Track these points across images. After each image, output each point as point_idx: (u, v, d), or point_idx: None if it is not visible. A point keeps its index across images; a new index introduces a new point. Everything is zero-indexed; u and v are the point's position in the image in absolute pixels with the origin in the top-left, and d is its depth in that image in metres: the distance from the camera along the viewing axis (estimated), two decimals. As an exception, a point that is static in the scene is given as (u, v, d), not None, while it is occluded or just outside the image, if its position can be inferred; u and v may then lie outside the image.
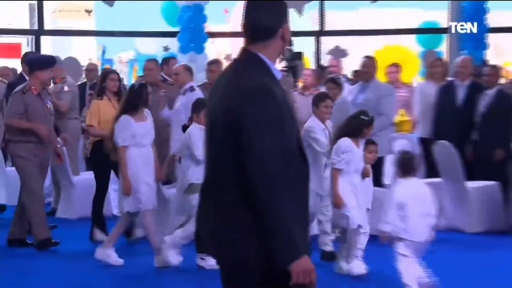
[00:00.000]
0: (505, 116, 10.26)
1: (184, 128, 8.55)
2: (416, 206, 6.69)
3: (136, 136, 8.22)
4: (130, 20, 18.89)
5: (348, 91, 10.59)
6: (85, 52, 11.70)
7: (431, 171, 10.48)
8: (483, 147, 10.22)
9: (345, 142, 7.45)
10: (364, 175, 7.89)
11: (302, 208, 3.71)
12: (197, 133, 7.94)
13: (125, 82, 15.18)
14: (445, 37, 18.23)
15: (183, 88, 9.73)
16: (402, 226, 6.70)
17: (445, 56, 17.40)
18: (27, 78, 9.82)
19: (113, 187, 11.30)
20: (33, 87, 9.13)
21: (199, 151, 7.84)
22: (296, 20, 18.25)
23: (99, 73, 12.08)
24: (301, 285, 3.53)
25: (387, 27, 17.85)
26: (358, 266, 7.68)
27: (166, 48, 17.40)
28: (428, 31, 19.17)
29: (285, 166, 3.57)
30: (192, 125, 8.14)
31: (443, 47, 18.30)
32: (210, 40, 16.86)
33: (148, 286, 7.82)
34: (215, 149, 3.76)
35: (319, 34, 18.19)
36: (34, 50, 16.25)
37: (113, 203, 11.12)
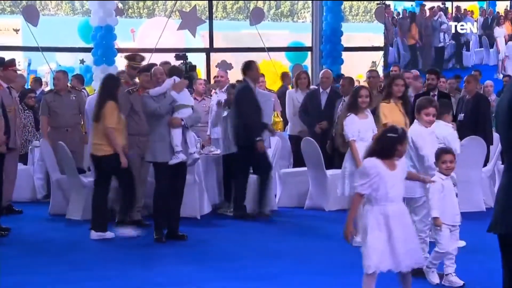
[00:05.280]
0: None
1: None
2: None
3: (360, 131, 7.65)
4: (51, 37, 18.43)
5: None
6: (14, 64, 11.43)
7: (299, 162, 10.54)
8: (340, 142, 10.32)
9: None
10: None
11: None
12: (421, 133, 6.57)
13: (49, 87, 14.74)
14: (309, 54, 18.46)
15: None
16: None
17: (309, 70, 17.64)
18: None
19: (38, 176, 10.97)
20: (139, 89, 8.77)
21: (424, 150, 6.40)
22: (191, 39, 18.12)
23: (25, 82, 11.60)
24: None
25: (264, 45, 17.89)
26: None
27: (82, 61, 16.96)
28: (296, 49, 19.37)
29: None
30: (415, 124, 6.56)
31: (308, 62, 18.52)
32: (119, 54, 16.57)
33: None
34: (507, 132, 3.71)
35: (209, 50, 18.14)
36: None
37: (37, 190, 10.81)
